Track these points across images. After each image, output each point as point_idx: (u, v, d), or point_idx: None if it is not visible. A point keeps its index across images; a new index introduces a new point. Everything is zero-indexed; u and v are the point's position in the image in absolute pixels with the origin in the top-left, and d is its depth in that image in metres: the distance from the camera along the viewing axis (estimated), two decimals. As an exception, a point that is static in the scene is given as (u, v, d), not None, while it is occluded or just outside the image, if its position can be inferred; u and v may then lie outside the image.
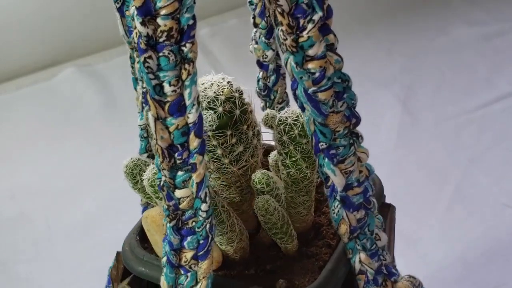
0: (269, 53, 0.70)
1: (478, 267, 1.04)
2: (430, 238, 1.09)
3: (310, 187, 0.60)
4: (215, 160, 0.57)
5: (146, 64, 0.45)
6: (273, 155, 0.63)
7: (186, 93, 0.46)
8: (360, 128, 0.66)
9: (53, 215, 1.23)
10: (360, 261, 0.57)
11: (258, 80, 0.74)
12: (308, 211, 0.61)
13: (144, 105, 0.54)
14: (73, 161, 1.36)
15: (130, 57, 0.64)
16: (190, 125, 0.47)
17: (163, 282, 0.52)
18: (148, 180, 0.56)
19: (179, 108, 0.46)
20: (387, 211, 0.66)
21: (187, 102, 0.46)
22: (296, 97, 0.52)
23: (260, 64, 0.73)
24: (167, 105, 0.46)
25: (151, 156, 0.69)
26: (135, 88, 0.66)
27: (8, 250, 1.18)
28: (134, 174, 0.59)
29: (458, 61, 1.54)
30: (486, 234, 1.10)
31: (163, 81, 0.46)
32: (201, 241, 0.50)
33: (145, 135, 0.70)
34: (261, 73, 0.74)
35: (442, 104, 1.42)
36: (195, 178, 0.48)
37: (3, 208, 1.27)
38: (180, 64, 0.46)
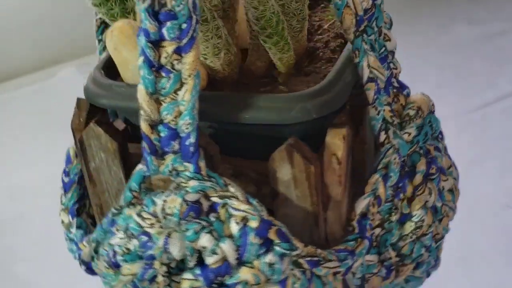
0: None
1: (478, 267, 1.04)
2: (430, 238, 1.09)
3: None
4: None
5: None
6: None
7: None
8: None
9: (53, 215, 1.23)
10: (368, 65, 0.48)
11: None
12: (302, 27, 0.52)
13: None
14: (72, 161, 1.36)
15: None
16: None
17: (140, 89, 0.42)
18: None
19: None
20: None
21: None
22: None
23: None
24: None
25: None
26: None
27: (8, 250, 1.18)
28: None
29: (458, 61, 1.54)
30: (486, 234, 1.10)
31: None
32: (184, 26, 0.41)
33: None
34: None
35: (442, 104, 1.42)
36: None
37: (2, 208, 1.27)
38: None
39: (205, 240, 0.42)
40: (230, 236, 0.43)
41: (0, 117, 1.54)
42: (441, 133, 0.56)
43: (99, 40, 0.57)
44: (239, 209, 0.43)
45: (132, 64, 0.48)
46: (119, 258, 0.45)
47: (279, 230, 0.43)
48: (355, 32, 0.47)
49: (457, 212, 1.17)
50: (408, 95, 0.52)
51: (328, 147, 0.46)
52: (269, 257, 0.42)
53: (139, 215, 0.44)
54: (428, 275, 0.57)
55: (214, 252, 0.42)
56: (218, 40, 0.48)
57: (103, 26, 0.56)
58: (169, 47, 0.41)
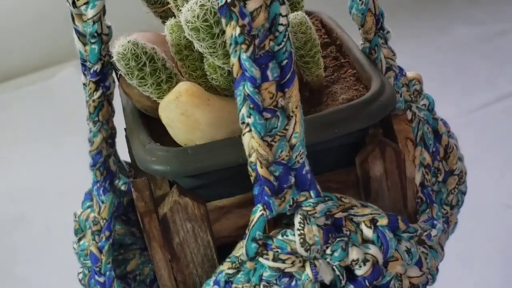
0: None
1: (478, 267, 1.04)
2: (430, 238, 1.09)
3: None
4: None
5: None
6: None
7: None
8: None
9: (52, 215, 1.23)
10: (384, 57, 0.54)
11: None
12: None
13: None
14: (73, 161, 1.36)
15: None
16: None
17: (251, 137, 0.42)
18: (198, 17, 0.45)
19: None
20: None
21: None
22: None
23: None
24: None
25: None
26: None
27: (8, 250, 1.18)
28: (138, 54, 0.47)
29: (458, 61, 1.54)
30: (486, 234, 1.10)
31: None
32: (284, 62, 0.42)
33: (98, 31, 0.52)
34: None
35: (442, 104, 1.42)
36: None
37: (3, 208, 1.27)
38: None
39: (355, 253, 0.44)
40: (367, 241, 0.44)
41: (0, 117, 1.54)
42: None
43: (95, 122, 0.55)
44: (364, 214, 0.44)
45: (205, 122, 0.48)
46: None
47: (403, 219, 0.46)
48: (375, 30, 0.53)
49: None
50: (405, 74, 0.57)
51: (400, 133, 0.50)
52: (404, 245, 0.45)
53: (275, 259, 0.43)
54: None
55: (365, 261, 0.43)
56: None
57: (100, 106, 0.55)
58: (271, 87, 0.42)
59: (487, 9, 1.71)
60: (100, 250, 0.54)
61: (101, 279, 0.54)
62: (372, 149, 0.49)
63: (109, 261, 0.54)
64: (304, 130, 0.43)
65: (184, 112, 0.48)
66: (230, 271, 0.45)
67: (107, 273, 0.54)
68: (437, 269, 0.52)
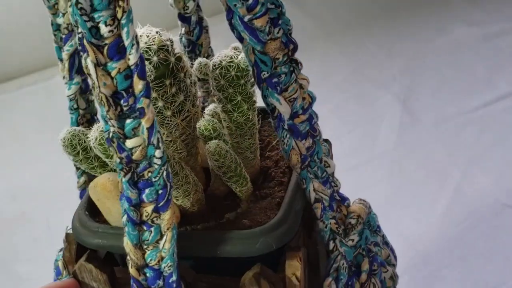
0: (190, 4, 0.69)
1: (478, 267, 1.04)
2: (430, 238, 1.10)
3: (254, 130, 0.60)
4: (157, 114, 0.55)
5: (79, 6, 0.43)
6: (208, 109, 0.62)
7: (123, 32, 0.44)
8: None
9: (53, 215, 1.23)
10: (314, 190, 0.57)
11: (181, 37, 0.73)
12: (254, 155, 0.61)
13: (81, 53, 0.46)
14: (73, 161, 1.36)
15: (52, 24, 0.67)
16: (132, 67, 0.45)
17: (126, 242, 0.50)
18: (96, 139, 0.55)
19: (118, 50, 0.44)
20: None
21: (126, 43, 0.44)
22: (232, 28, 0.51)
23: (182, 18, 0.71)
24: (106, 48, 0.44)
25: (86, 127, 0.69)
26: (60, 58, 0.70)
27: (8, 250, 1.18)
28: (74, 144, 0.58)
29: (458, 61, 1.54)
30: (486, 234, 1.10)
31: (98, 22, 0.44)
32: (160, 191, 0.49)
33: (75, 106, 0.74)
34: (183, 28, 0.72)
35: (442, 104, 1.42)
36: (145, 123, 0.46)
37: (3, 208, 1.27)
38: (113, 1, 0.44)
39: None
40: None
41: (0, 117, 1.54)
42: (378, 226, 0.65)
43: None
44: None
45: (115, 211, 0.57)
46: None
47: None
48: (301, 167, 0.56)
49: (457, 212, 1.17)
50: (348, 205, 0.61)
51: (288, 268, 0.54)
52: None
53: None
54: None
55: None
56: (188, 186, 0.56)
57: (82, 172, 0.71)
58: (148, 207, 0.49)
59: (487, 9, 1.71)
60: (64, 266, 0.63)
61: None
62: (248, 276, 0.53)
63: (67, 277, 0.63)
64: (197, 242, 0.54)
65: (99, 199, 0.58)
66: None
67: None
68: None
